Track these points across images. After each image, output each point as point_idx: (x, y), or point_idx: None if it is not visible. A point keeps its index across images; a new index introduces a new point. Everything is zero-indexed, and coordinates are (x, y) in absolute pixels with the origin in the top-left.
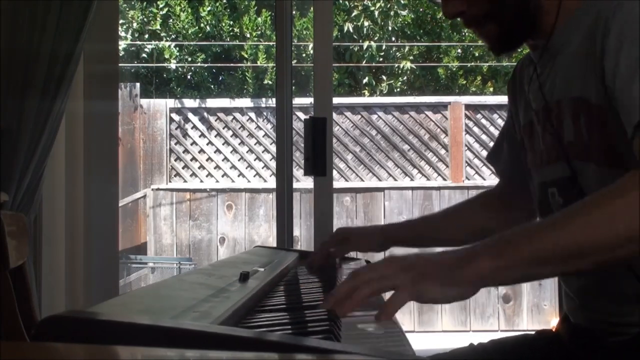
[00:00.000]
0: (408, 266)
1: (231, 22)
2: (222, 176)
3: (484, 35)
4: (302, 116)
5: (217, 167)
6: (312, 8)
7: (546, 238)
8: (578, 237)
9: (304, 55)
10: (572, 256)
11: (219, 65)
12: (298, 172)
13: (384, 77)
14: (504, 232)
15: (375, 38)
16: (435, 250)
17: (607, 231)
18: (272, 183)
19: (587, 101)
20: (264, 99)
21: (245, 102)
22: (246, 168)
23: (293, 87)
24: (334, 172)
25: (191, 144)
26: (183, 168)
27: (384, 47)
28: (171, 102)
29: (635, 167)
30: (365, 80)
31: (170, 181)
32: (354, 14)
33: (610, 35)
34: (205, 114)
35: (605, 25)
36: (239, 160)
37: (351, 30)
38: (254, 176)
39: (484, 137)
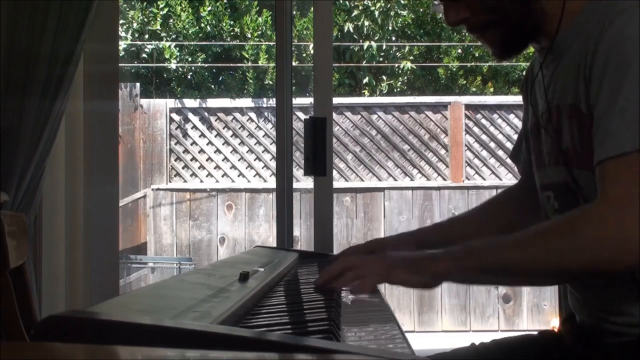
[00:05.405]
0: (385, 258)
1: (232, 22)
2: (222, 176)
3: (487, 41)
4: (302, 116)
5: (217, 167)
6: (312, 8)
7: (502, 255)
8: (523, 262)
9: (304, 55)
10: (514, 274)
11: (220, 65)
12: (298, 172)
13: (384, 77)
14: (470, 241)
15: (376, 38)
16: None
17: (550, 263)
18: (272, 183)
19: (579, 109)
20: (264, 99)
21: (246, 102)
22: (246, 168)
23: (293, 87)
24: (334, 172)
25: (191, 144)
26: (183, 168)
27: (384, 47)
28: (171, 102)
29: (596, 195)
30: (365, 80)
31: (170, 181)
32: (354, 14)
33: (597, 55)
34: (206, 114)
35: (596, 41)
36: (239, 160)
37: (351, 30)
38: (254, 176)
39: (484, 137)
